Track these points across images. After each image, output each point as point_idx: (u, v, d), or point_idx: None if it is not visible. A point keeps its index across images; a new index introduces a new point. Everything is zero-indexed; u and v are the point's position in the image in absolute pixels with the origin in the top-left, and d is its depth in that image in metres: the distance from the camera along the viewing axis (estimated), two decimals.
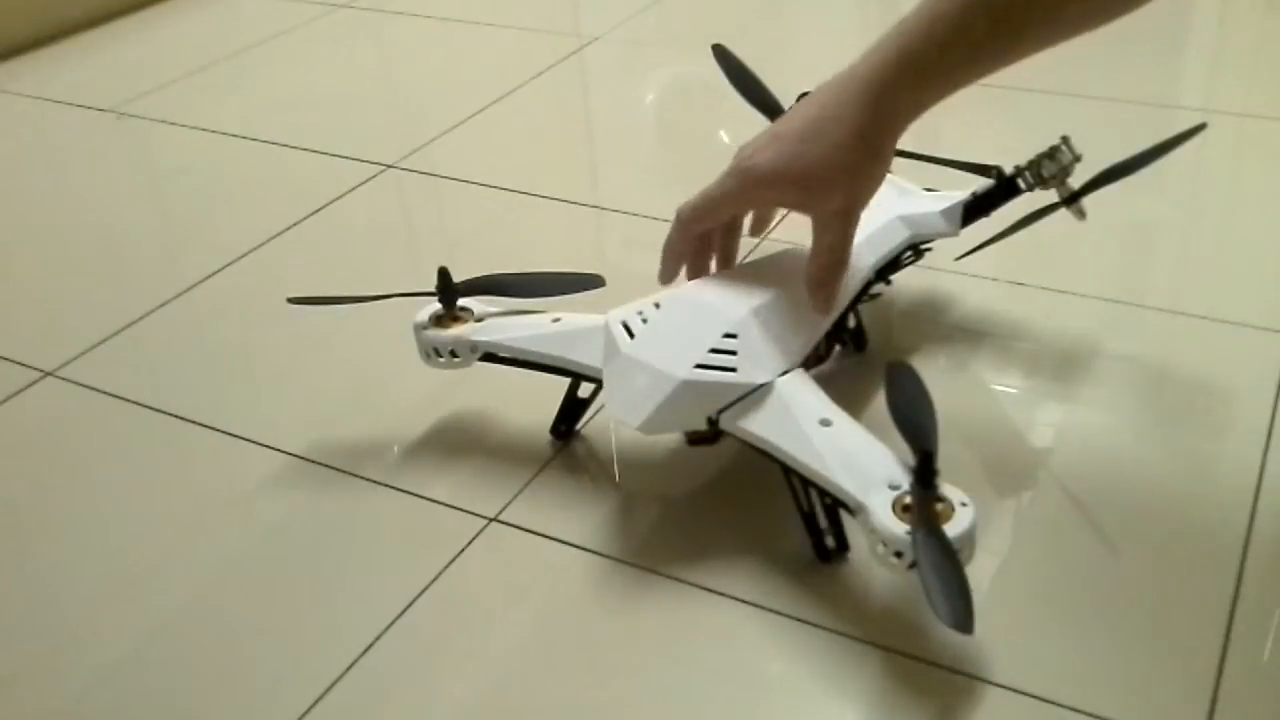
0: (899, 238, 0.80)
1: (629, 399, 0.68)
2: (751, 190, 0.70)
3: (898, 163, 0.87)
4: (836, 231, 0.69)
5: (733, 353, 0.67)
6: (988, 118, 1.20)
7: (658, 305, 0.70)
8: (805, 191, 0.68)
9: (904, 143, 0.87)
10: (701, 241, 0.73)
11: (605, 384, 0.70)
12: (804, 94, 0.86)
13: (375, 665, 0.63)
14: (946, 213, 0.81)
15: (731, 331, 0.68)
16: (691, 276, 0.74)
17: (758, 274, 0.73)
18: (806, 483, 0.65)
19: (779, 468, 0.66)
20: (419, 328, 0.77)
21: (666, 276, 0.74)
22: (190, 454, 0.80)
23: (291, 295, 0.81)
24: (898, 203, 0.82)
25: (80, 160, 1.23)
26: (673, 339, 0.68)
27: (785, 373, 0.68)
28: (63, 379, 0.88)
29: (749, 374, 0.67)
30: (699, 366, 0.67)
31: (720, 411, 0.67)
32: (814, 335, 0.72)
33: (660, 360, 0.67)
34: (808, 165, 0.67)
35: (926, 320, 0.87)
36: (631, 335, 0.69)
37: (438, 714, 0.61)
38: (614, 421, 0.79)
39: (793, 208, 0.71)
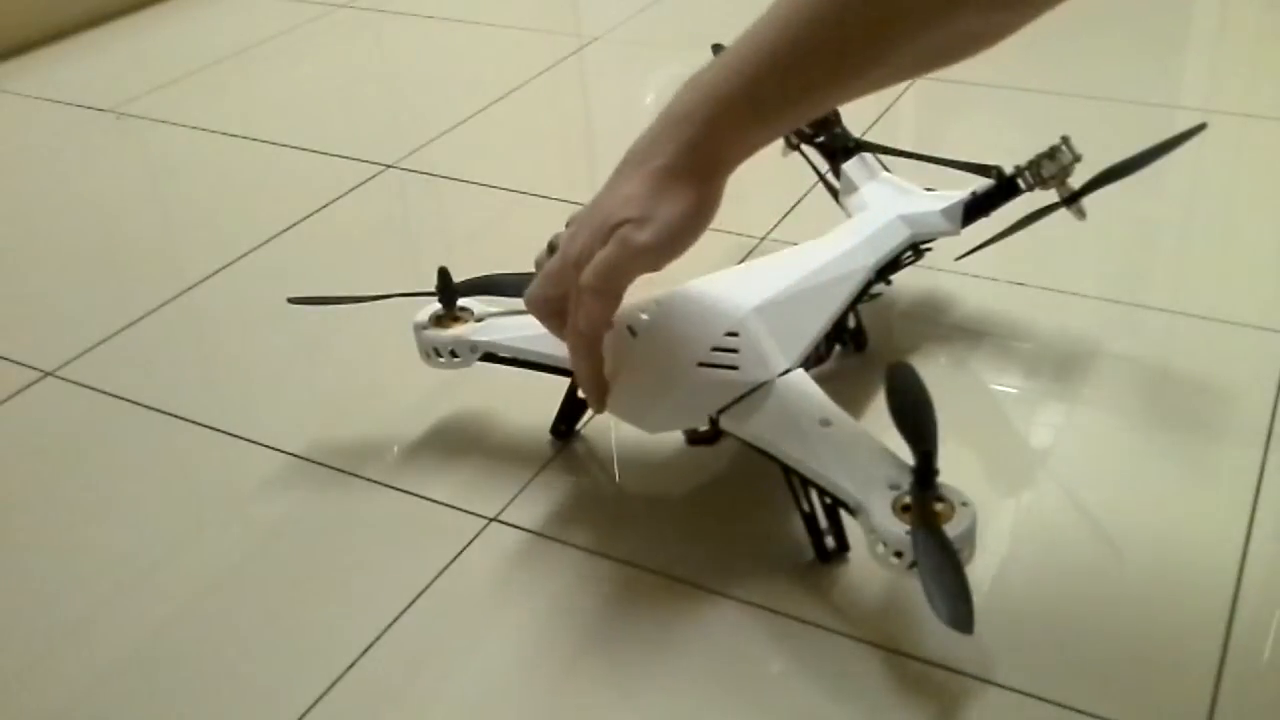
0: (900, 237, 0.80)
1: (633, 399, 0.68)
2: (641, 263, 0.63)
3: (898, 162, 0.87)
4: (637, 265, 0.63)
5: (735, 351, 0.67)
6: (988, 118, 1.20)
7: (660, 304, 0.71)
8: (672, 252, 0.63)
9: (904, 142, 0.88)
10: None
11: (609, 383, 0.70)
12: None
13: (375, 665, 0.63)
14: (947, 211, 0.81)
15: (734, 330, 0.68)
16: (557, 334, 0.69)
17: (759, 273, 0.73)
18: (806, 483, 0.65)
19: (779, 468, 0.66)
20: (419, 328, 0.77)
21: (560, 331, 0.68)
22: (190, 454, 0.80)
23: (291, 295, 0.81)
24: (898, 202, 0.82)
25: (80, 160, 1.23)
26: (675, 338, 0.68)
27: (787, 370, 0.68)
28: (63, 379, 0.88)
29: (751, 372, 0.67)
30: (702, 365, 0.67)
31: (723, 410, 0.67)
32: (816, 333, 0.72)
33: (663, 359, 0.67)
34: (676, 236, 0.62)
35: (926, 320, 0.87)
36: (634, 334, 0.70)
37: (437, 714, 0.61)
38: (614, 421, 0.78)
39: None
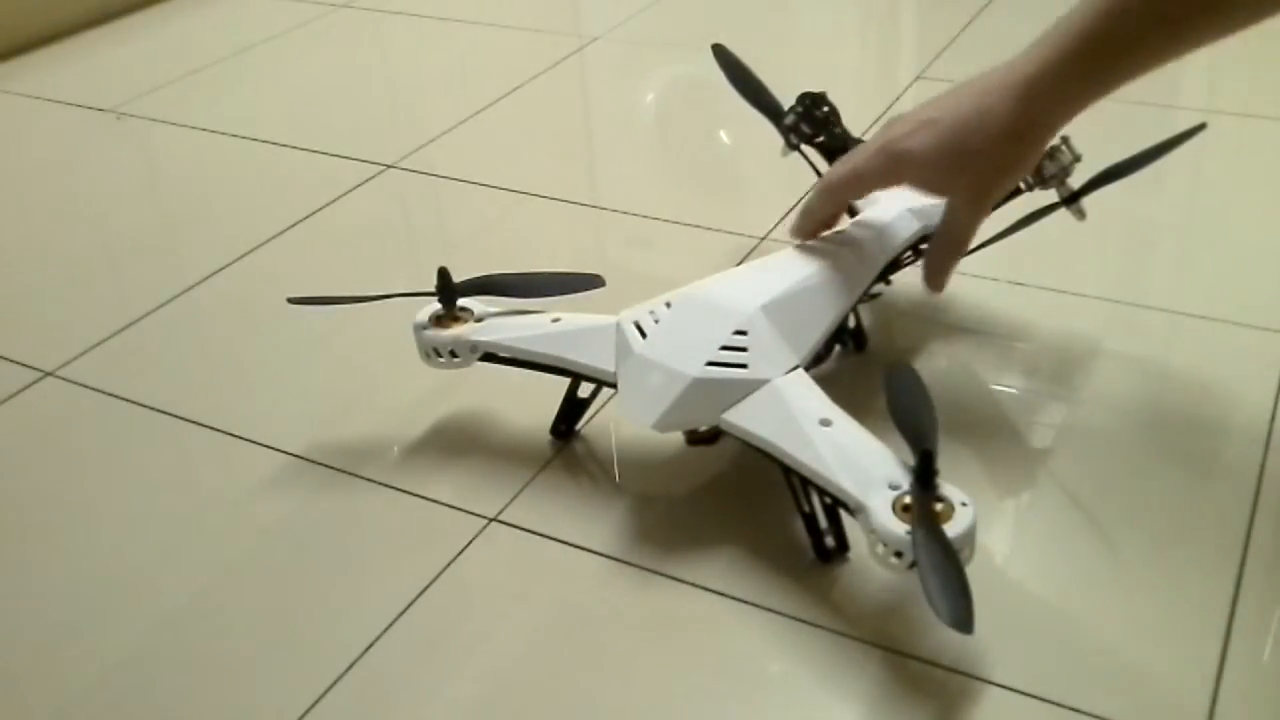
0: (910, 230, 0.80)
1: (642, 399, 0.68)
2: (901, 171, 0.71)
3: None
4: (968, 223, 0.72)
5: (743, 349, 0.67)
6: None
7: (669, 305, 0.71)
8: (952, 178, 0.70)
9: None
10: (843, 208, 0.76)
11: (619, 384, 0.70)
12: (808, 90, 0.86)
13: (375, 665, 0.63)
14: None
15: (742, 328, 0.68)
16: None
17: (767, 271, 0.73)
18: (806, 483, 0.65)
19: (779, 468, 0.66)
20: (419, 328, 0.77)
21: (803, 235, 0.76)
22: (190, 454, 0.80)
23: (291, 295, 0.81)
24: (905, 195, 0.82)
25: (80, 160, 1.23)
26: (684, 338, 0.69)
27: (796, 368, 0.68)
28: (63, 379, 0.88)
29: (760, 370, 0.67)
30: (710, 364, 0.67)
31: (731, 406, 0.67)
32: (825, 329, 0.72)
33: (672, 359, 0.68)
34: (959, 155, 0.69)
35: (926, 320, 0.87)
36: (644, 335, 0.70)
37: (438, 714, 0.61)
38: (614, 421, 0.79)
39: (934, 192, 0.72)
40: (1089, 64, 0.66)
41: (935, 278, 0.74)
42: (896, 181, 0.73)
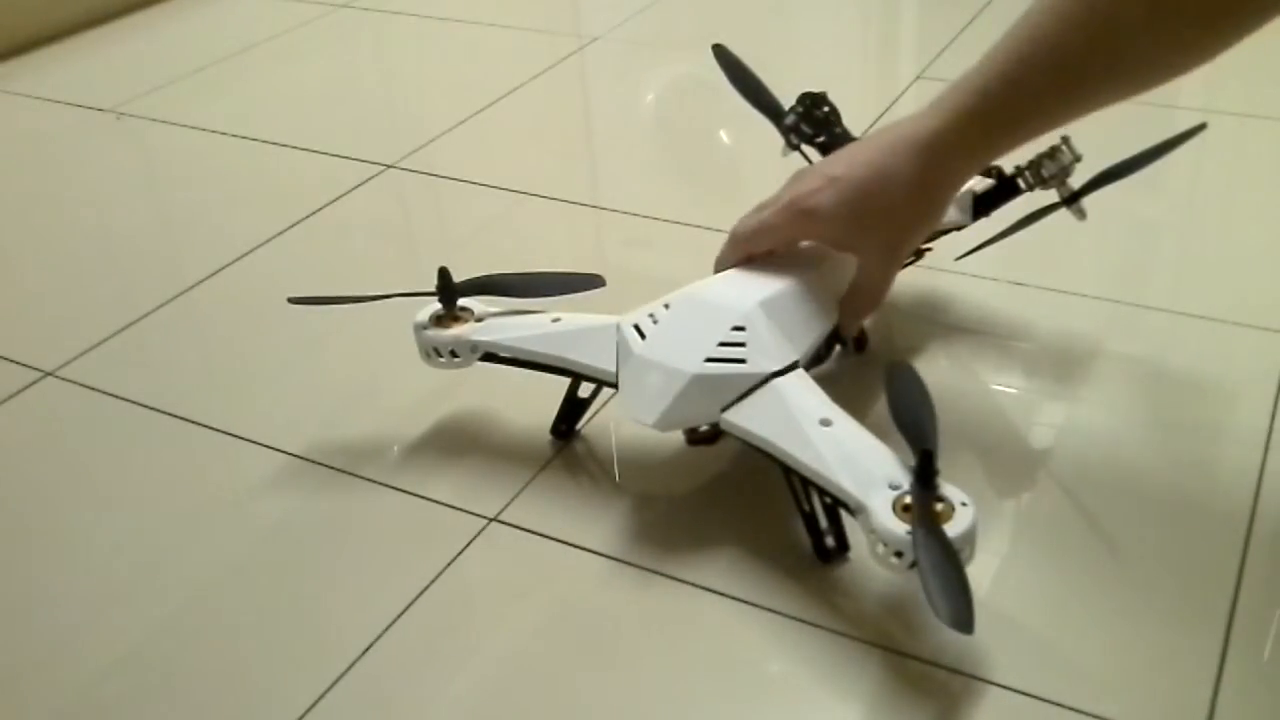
0: None
1: (643, 398, 0.68)
2: (807, 227, 0.72)
3: None
4: (879, 278, 0.73)
5: (742, 344, 0.67)
6: None
7: (667, 306, 0.71)
8: (858, 235, 0.71)
9: None
10: (749, 258, 0.76)
11: (620, 385, 0.70)
12: (809, 90, 0.86)
13: (375, 665, 0.63)
14: (958, 201, 0.81)
15: (740, 324, 0.68)
16: None
17: (764, 268, 0.73)
18: (807, 483, 0.65)
19: (779, 468, 0.66)
20: (419, 328, 0.77)
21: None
22: (190, 454, 0.80)
23: (291, 295, 0.81)
24: None
25: (80, 160, 1.23)
26: (683, 336, 0.69)
27: (795, 363, 0.68)
28: (63, 379, 0.88)
29: (758, 364, 0.67)
30: (709, 360, 0.67)
31: (732, 404, 0.67)
32: (822, 326, 0.72)
33: (671, 358, 0.68)
34: (864, 213, 0.70)
35: (926, 320, 0.87)
36: (643, 336, 0.70)
37: (438, 714, 0.61)
38: (614, 421, 0.79)
39: (841, 248, 0.73)
40: (989, 123, 0.67)
41: (847, 326, 0.75)
42: (803, 236, 0.74)
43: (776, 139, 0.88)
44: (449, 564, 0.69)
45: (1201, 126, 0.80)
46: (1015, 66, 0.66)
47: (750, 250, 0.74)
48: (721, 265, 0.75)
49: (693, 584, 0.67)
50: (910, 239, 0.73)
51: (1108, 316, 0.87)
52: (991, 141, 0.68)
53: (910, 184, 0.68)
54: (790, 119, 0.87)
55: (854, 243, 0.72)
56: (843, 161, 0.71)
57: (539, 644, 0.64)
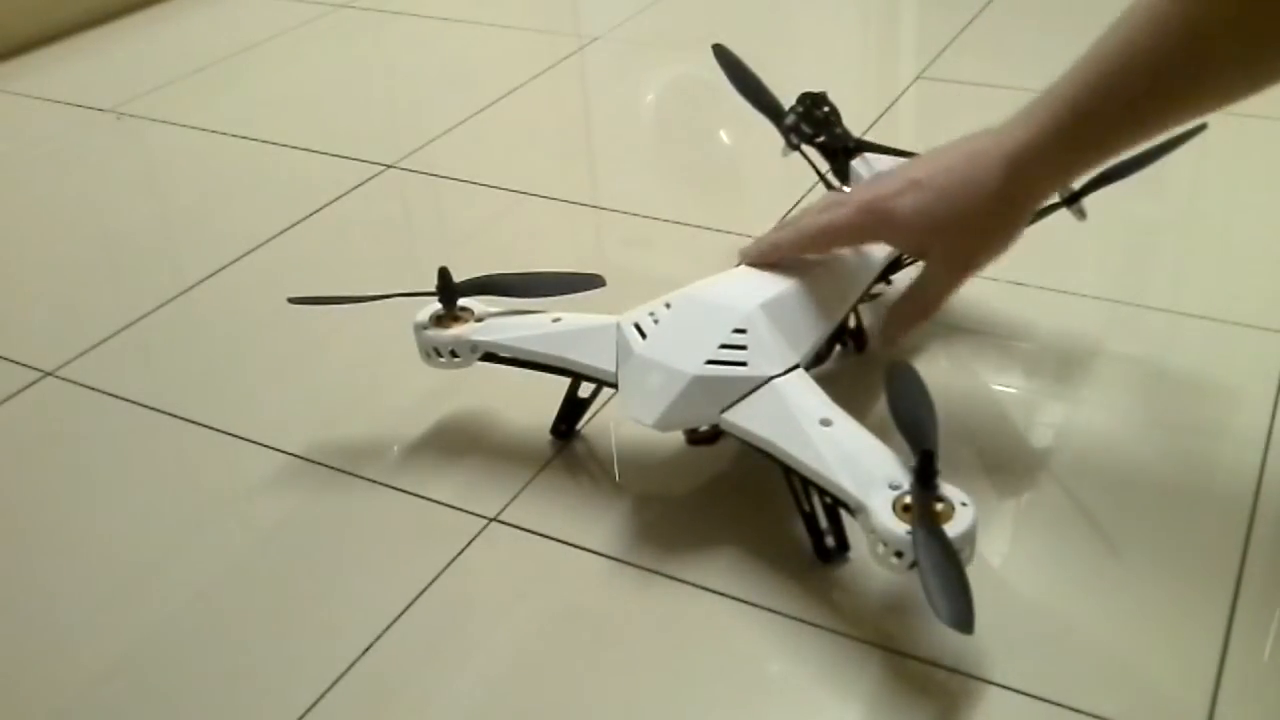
0: None
1: (643, 398, 0.68)
2: (882, 230, 0.71)
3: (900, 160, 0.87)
4: (946, 282, 0.71)
5: (743, 347, 0.67)
6: (988, 118, 1.20)
7: (668, 305, 0.71)
8: (935, 243, 0.70)
9: (904, 142, 0.88)
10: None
11: (620, 385, 0.70)
12: (809, 90, 0.86)
13: (375, 665, 0.63)
14: None
15: (741, 326, 0.68)
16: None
17: (766, 271, 0.73)
18: (807, 483, 0.65)
19: (779, 468, 0.66)
20: (419, 328, 0.77)
21: (758, 260, 0.74)
22: (190, 454, 0.80)
23: (291, 295, 0.81)
24: None
25: (80, 160, 1.23)
26: (684, 337, 0.69)
27: (795, 365, 0.68)
28: (63, 379, 0.88)
29: (759, 367, 0.67)
30: (710, 362, 0.67)
31: (732, 405, 0.67)
32: (824, 329, 0.72)
33: (672, 358, 0.68)
34: (946, 221, 0.68)
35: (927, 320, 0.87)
36: (644, 336, 0.70)
37: (438, 714, 0.61)
38: (614, 421, 0.79)
39: (914, 253, 0.72)
40: (1077, 137, 0.65)
41: (894, 331, 0.73)
42: (873, 239, 0.73)
43: (776, 139, 0.88)
44: (449, 564, 0.69)
45: (1202, 126, 0.80)
46: (1105, 79, 0.63)
47: (818, 249, 0.72)
48: (775, 251, 0.73)
49: (693, 584, 0.67)
50: (984, 253, 0.70)
51: (1108, 316, 0.87)
52: (1079, 155, 0.66)
53: (993, 195, 0.66)
54: (790, 119, 0.87)
55: (926, 249, 0.70)
56: (925, 166, 0.69)
57: (539, 644, 0.64)
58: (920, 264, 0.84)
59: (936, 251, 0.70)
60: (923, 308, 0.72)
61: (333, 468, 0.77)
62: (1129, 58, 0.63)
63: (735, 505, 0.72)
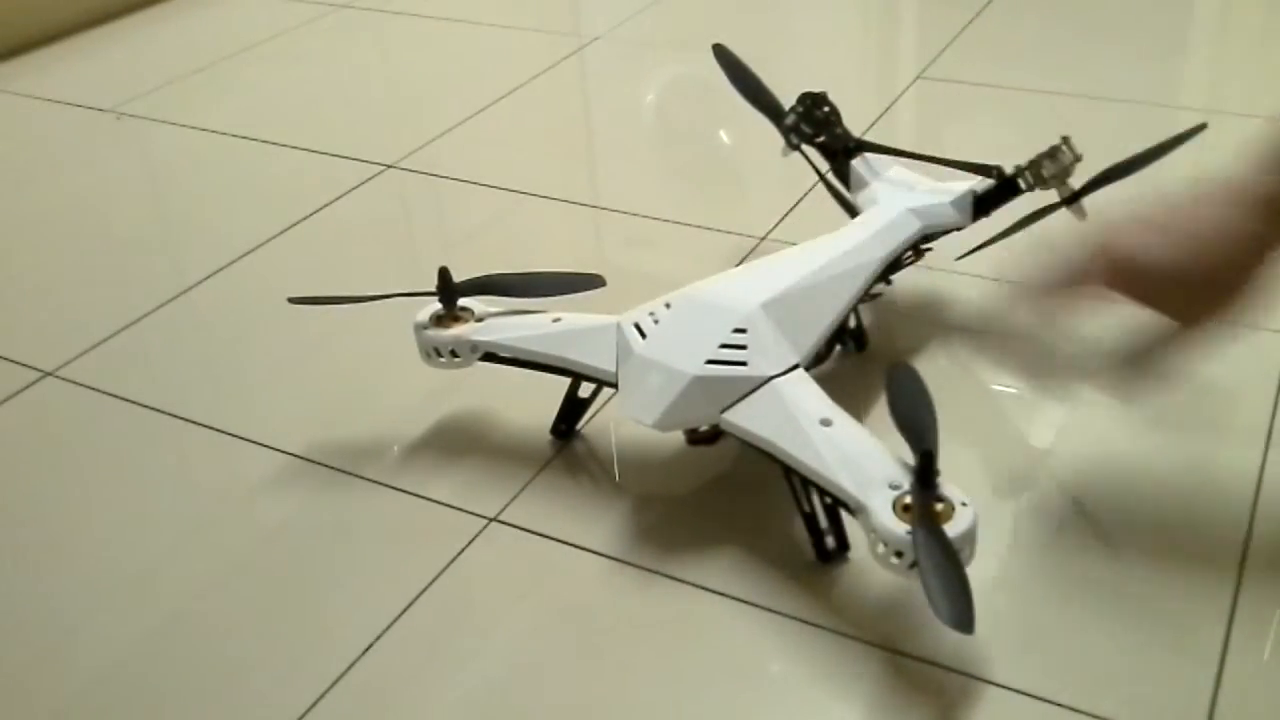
0: (910, 229, 0.80)
1: (643, 398, 0.68)
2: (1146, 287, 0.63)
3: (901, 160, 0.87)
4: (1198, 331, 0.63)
5: (743, 347, 0.67)
6: (988, 118, 1.20)
7: (668, 305, 0.71)
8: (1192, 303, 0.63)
9: (904, 142, 0.88)
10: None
11: (620, 384, 0.70)
12: (809, 90, 0.85)
13: (375, 665, 0.63)
14: (957, 203, 0.81)
15: (741, 326, 0.68)
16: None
17: (766, 271, 0.73)
18: (807, 483, 0.65)
19: (779, 468, 0.66)
20: (419, 328, 0.77)
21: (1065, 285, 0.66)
22: (190, 454, 0.80)
23: (291, 295, 0.81)
24: (908, 195, 0.82)
25: (80, 160, 1.23)
26: (684, 337, 0.69)
27: (795, 365, 0.68)
28: (63, 379, 0.88)
29: (759, 367, 0.67)
30: (710, 362, 0.67)
31: (732, 405, 0.67)
32: (825, 328, 0.72)
33: (672, 358, 0.68)
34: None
35: (926, 320, 0.87)
36: (644, 335, 0.70)
37: (438, 713, 0.61)
38: (614, 421, 0.79)
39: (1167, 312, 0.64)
40: None
41: (1132, 389, 0.66)
42: (1133, 293, 0.64)
43: (776, 139, 0.88)
44: (449, 564, 0.69)
45: (1202, 126, 0.80)
46: None
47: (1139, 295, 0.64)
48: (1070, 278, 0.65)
49: (693, 584, 0.67)
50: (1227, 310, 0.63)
51: (1108, 316, 0.87)
52: None
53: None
54: (790, 119, 0.87)
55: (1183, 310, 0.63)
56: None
57: (539, 644, 0.64)
58: (921, 260, 0.85)
59: (1201, 300, 0.63)
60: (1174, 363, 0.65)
61: (333, 468, 0.77)
62: None
63: (735, 505, 0.72)
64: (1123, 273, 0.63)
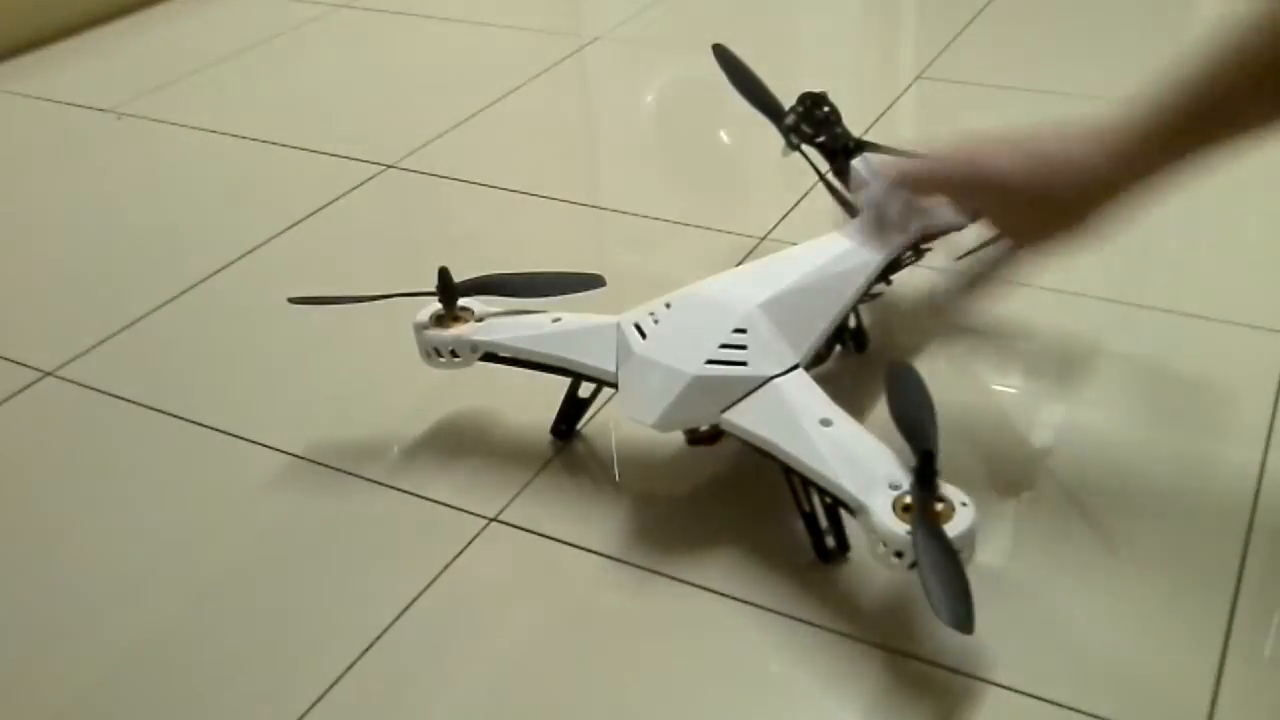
0: (910, 229, 0.80)
1: (643, 398, 0.68)
2: (1056, 179, 0.65)
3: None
4: (1026, 256, 0.67)
5: (743, 347, 0.67)
6: (988, 118, 1.20)
7: (669, 305, 0.71)
8: (1029, 216, 0.66)
9: (905, 142, 0.88)
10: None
11: (620, 384, 0.70)
12: (809, 90, 0.86)
13: (375, 665, 0.63)
14: None
15: (741, 326, 0.68)
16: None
17: (766, 271, 0.73)
18: (807, 483, 0.65)
19: (779, 468, 0.66)
20: (419, 328, 0.77)
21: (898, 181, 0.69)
22: (190, 454, 0.80)
23: (291, 295, 0.81)
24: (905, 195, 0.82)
25: (80, 160, 1.23)
26: (684, 337, 0.69)
27: (795, 365, 0.68)
28: (63, 379, 0.88)
29: (759, 367, 0.67)
30: (710, 362, 0.67)
31: (732, 405, 0.67)
32: (825, 328, 0.72)
33: (672, 358, 0.68)
34: (1042, 197, 0.64)
35: (926, 320, 0.87)
36: (644, 335, 0.70)
37: (439, 713, 0.61)
38: (615, 421, 0.79)
39: (1006, 228, 0.67)
40: (1182, 126, 0.64)
41: (957, 298, 0.69)
42: (971, 200, 0.69)
43: (776, 139, 0.88)
44: (449, 564, 0.69)
45: None
46: (1214, 74, 0.63)
47: (968, 184, 0.67)
48: (930, 183, 0.68)
49: (693, 584, 0.67)
50: (1065, 234, 0.66)
51: (1108, 316, 0.87)
52: (1180, 147, 0.64)
53: (1089, 177, 0.64)
54: (790, 119, 0.87)
55: (1041, 218, 0.66)
56: (1030, 139, 0.65)
57: (539, 643, 0.64)
58: (921, 260, 0.85)
59: (1027, 226, 0.66)
60: (1000, 279, 0.68)
61: (333, 468, 0.77)
62: (1237, 60, 0.62)
63: (735, 505, 0.72)
64: (966, 179, 0.66)
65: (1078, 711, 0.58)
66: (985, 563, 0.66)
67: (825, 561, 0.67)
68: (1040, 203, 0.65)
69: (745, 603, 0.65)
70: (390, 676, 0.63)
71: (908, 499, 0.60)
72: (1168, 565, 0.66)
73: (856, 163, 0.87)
